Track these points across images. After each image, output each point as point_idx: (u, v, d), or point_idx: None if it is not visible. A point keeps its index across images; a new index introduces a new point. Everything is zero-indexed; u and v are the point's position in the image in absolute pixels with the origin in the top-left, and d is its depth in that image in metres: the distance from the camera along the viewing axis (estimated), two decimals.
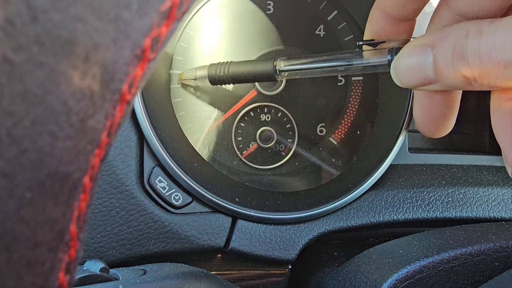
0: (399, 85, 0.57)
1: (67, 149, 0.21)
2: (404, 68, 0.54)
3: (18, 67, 0.19)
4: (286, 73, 0.72)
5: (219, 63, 0.77)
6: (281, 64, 0.72)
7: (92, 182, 0.23)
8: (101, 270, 0.50)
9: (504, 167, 0.83)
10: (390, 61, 0.61)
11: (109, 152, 0.24)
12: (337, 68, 0.67)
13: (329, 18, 0.89)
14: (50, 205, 0.21)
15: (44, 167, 0.20)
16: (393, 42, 0.63)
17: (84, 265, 0.52)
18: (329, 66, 0.67)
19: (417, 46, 0.53)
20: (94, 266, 0.50)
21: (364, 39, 0.65)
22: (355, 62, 0.65)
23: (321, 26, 0.89)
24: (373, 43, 0.64)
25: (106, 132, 0.23)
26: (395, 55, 0.59)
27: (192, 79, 0.81)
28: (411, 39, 0.60)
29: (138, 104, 0.68)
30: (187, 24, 0.86)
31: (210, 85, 0.79)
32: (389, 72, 0.59)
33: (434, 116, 0.64)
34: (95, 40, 0.20)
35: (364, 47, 0.65)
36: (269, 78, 0.73)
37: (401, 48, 0.57)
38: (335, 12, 0.88)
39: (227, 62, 0.77)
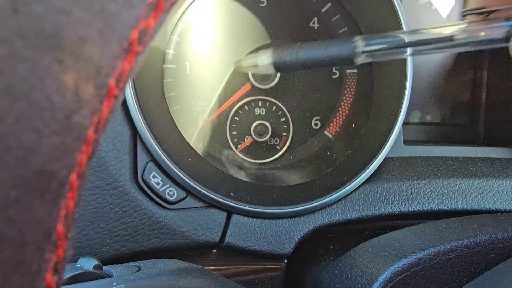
0: None
1: (53, 146, 0.20)
2: None
3: (0, 62, 0.18)
4: (368, 55, 0.61)
5: (284, 46, 0.69)
6: (362, 44, 0.61)
7: (80, 179, 0.23)
8: (95, 267, 0.49)
9: (499, 158, 0.83)
10: (509, 36, 0.48)
11: (97, 149, 0.24)
12: (435, 46, 0.54)
13: (323, 11, 0.88)
14: (37, 203, 0.20)
15: (30, 165, 0.19)
16: (508, 11, 0.50)
17: (77, 263, 0.52)
18: (425, 44, 0.55)
19: None
20: (88, 264, 0.50)
21: (468, 7, 0.54)
22: (459, 38, 0.52)
23: (315, 19, 0.88)
24: (482, 12, 0.52)
25: (93, 128, 0.22)
26: None
27: (253, 66, 0.73)
28: None
29: (131, 99, 0.67)
30: (180, 17, 0.85)
31: (274, 72, 0.71)
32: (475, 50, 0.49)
33: None
34: (80, 33, 0.19)
35: (469, 18, 0.55)
36: (347, 61, 0.63)
37: None
38: (329, 4, 0.88)
39: (295, 44, 0.68)
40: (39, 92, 0.19)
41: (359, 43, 0.61)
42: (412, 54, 0.59)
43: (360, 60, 0.62)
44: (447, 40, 0.52)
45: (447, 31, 0.52)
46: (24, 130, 0.19)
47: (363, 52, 0.61)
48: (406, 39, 0.57)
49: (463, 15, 0.52)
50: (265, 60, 0.69)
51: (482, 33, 0.50)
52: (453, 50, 0.54)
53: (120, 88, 0.24)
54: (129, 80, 0.24)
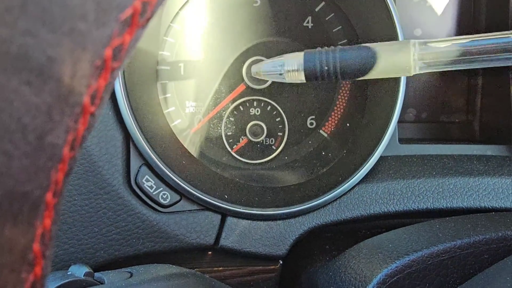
0: None
1: (24, 168, 0.20)
2: None
3: None
4: (426, 64, 0.50)
5: (318, 50, 0.56)
6: (421, 52, 0.49)
7: (57, 197, 0.23)
8: (86, 274, 0.49)
9: (495, 156, 0.82)
10: None
11: (74, 165, 0.23)
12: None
13: (316, 9, 0.88)
14: (9, 226, 0.20)
15: (0, 188, 0.19)
16: None
17: (68, 270, 0.52)
18: (502, 51, 0.45)
19: None
20: (79, 271, 0.50)
21: None
22: None
23: (309, 18, 0.88)
24: None
25: (69, 147, 0.22)
26: None
27: (277, 74, 0.59)
28: None
29: (122, 102, 0.67)
30: (174, 18, 0.85)
31: (303, 80, 0.57)
32: None
33: None
34: (48, 54, 0.19)
35: None
36: (401, 72, 0.51)
37: None
38: (323, 3, 0.87)
39: (331, 49, 0.54)
40: (7, 115, 0.19)
41: (417, 49, 0.50)
42: (484, 65, 0.49)
43: (417, 70, 0.51)
44: None
45: None
46: None
47: (420, 60, 0.50)
48: (480, 45, 0.47)
49: None
50: (293, 66, 0.56)
51: None
52: None
53: (97, 104, 0.24)
54: (107, 95, 0.24)
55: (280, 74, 0.58)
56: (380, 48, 0.52)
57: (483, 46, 0.47)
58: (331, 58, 0.53)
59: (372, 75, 0.52)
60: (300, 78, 0.56)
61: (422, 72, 0.51)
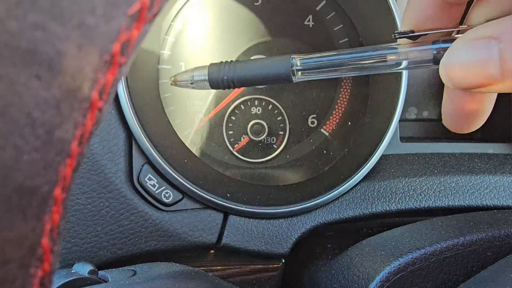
0: (450, 86, 0.46)
1: (33, 162, 0.20)
2: (459, 66, 0.44)
3: None
4: (304, 73, 0.59)
5: (221, 63, 0.64)
6: (299, 62, 0.59)
7: (65, 192, 0.23)
8: (90, 272, 0.49)
9: (496, 154, 0.82)
10: (436, 57, 0.50)
11: (82, 161, 0.23)
12: (367, 65, 0.55)
13: (317, 8, 0.88)
14: (18, 220, 0.20)
15: (10, 182, 0.19)
16: (435, 34, 0.51)
17: (72, 268, 0.52)
18: (357, 62, 0.55)
19: (477, 39, 0.42)
20: (83, 269, 0.50)
21: (401, 30, 0.53)
22: (391, 58, 0.53)
23: (310, 17, 0.88)
24: (412, 36, 0.52)
25: (77, 142, 0.22)
26: (444, 49, 0.48)
27: (188, 82, 0.67)
28: (463, 30, 0.49)
29: (125, 101, 0.67)
30: (174, 17, 0.85)
31: (210, 89, 0.66)
32: (428, 69, 0.52)
33: (469, 112, 0.55)
34: (58, 48, 0.19)
35: (401, 41, 0.54)
36: (284, 79, 0.60)
37: (450, 40, 0.47)
38: (324, 2, 0.87)
39: (231, 61, 0.64)
40: (17, 109, 0.19)
41: (296, 61, 0.59)
42: (349, 74, 0.59)
43: (297, 78, 0.60)
44: (380, 61, 0.53)
45: (379, 51, 0.54)
46: (3, 147, 0.19)
47: (299, 70, 0.59)
48: (342, 58, 0.56)
49: (394, 37, 0.53)
50: (200, 76, 0.65)
51: (414, 55, 0.52)
52: (385, 71, 0.55)
53: (104, 100, 0.23)
54: (114, 91, 0.24)
55: (191, 83, 0.66)
56: (265, 61, 0.62)
57: (355, 57, 0.55)
58: (230, 69, 0.62)
59: (263, 83, 0.63)
60: (207, 87, 0.65)
61: (303, 80, 0.60)
